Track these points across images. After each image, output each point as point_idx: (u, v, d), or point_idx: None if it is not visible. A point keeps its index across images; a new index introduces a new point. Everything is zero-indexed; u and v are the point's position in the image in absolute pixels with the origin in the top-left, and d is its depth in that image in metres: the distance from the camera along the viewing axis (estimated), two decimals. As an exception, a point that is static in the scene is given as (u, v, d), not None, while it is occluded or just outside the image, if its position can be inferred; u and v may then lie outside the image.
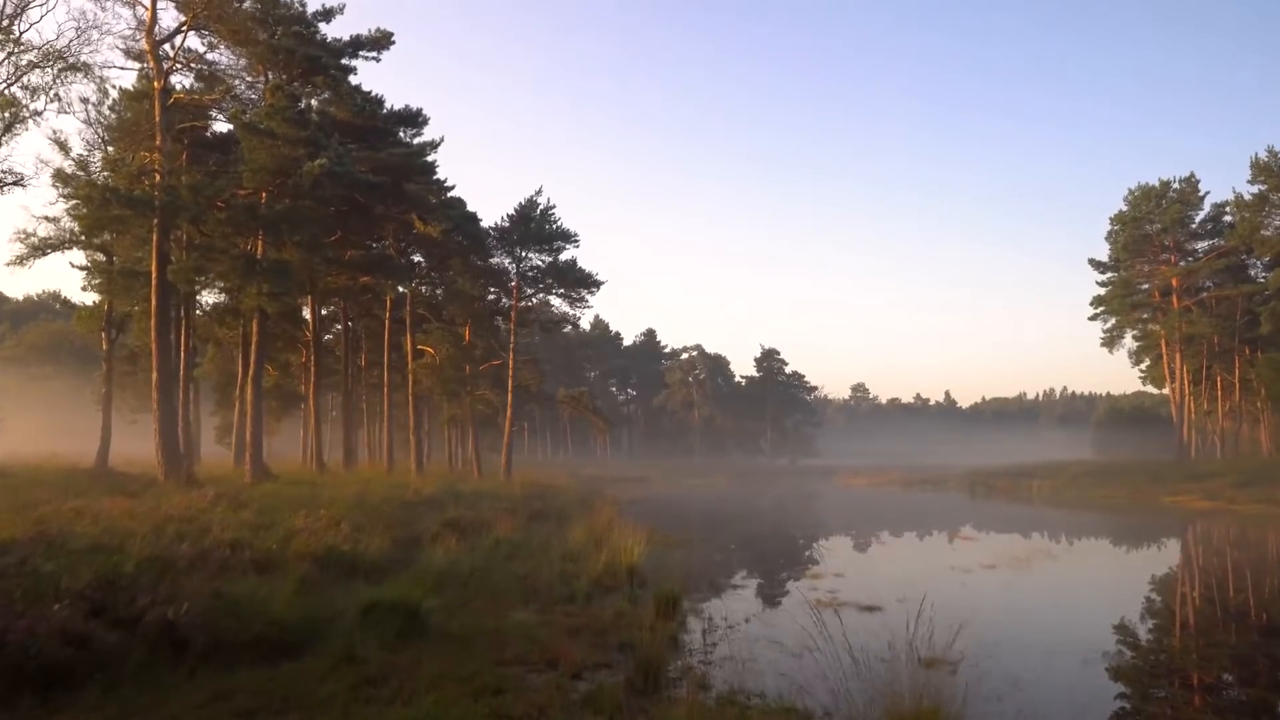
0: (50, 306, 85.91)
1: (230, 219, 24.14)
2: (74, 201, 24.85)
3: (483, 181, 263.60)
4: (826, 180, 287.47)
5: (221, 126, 30.80)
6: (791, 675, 9.34)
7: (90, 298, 38.56)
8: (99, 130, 26.56)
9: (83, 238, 26.37)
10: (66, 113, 25.49)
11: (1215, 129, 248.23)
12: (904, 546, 27.49)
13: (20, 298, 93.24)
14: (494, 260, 42.76)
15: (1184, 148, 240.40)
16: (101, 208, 23.05)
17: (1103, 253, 68.27)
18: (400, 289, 42.24)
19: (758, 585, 17.25)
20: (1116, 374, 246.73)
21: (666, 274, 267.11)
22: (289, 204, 24.96)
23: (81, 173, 24.22)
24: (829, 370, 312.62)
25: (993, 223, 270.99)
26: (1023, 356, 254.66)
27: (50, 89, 24.44)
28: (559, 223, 41.47)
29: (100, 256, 32.54)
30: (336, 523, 16.05)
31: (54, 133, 26.85)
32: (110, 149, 27.39)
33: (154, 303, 24.96)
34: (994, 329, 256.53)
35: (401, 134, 33.78)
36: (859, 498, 56.31)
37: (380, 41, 31.20)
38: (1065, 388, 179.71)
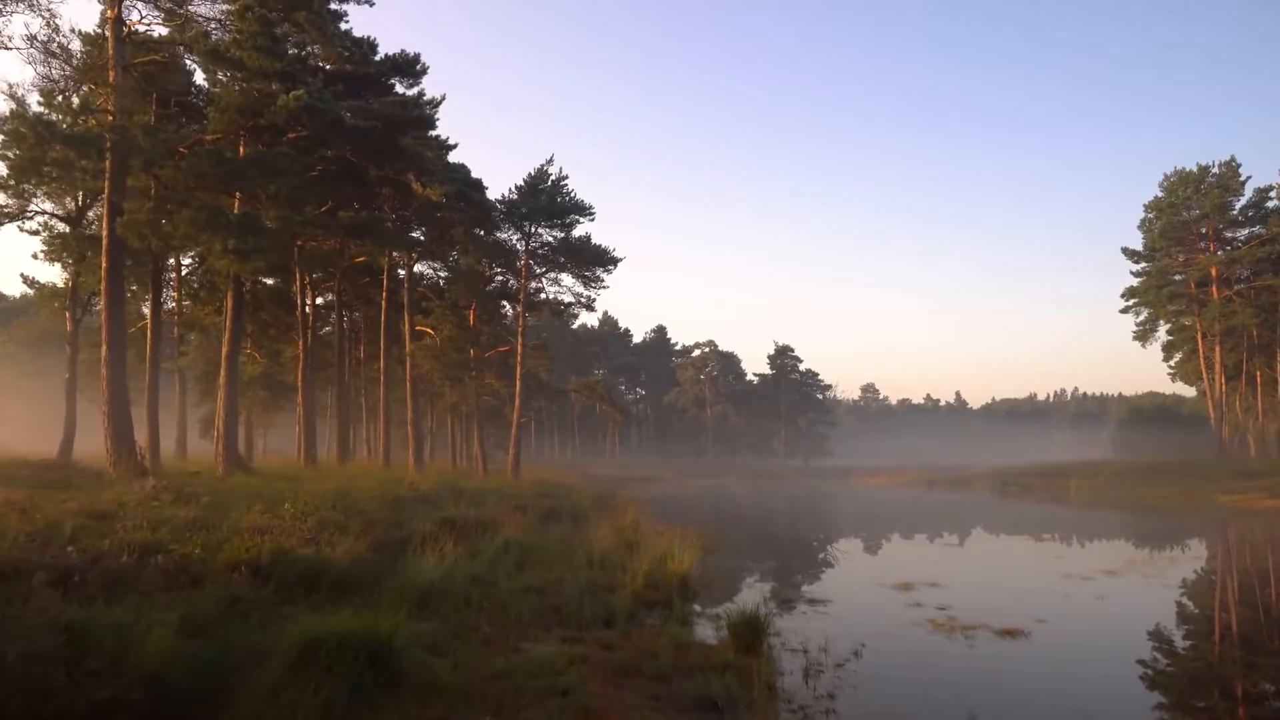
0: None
1: (193, 167, 20.51)
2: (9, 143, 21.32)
3: (483, 178, 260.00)
4: (836, 178, 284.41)
5: (201, 85, 27.46)
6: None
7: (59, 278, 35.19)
8: (46, 68, 23.08)
9: (12, 183, 22.78)
10: (8, 48, 22.06)
11: (1253, 109, 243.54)
12: (982, 551, 23.64)
13: (18, 295, 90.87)
14: (501, 236, 39.12)
15: (1200, 140, 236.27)
16: (37, 147, 19.53)
17: (1114, 248, 65.44)
18: (399, 271, 38.82)
19: (837, 599, 13.64)
20: (1129, 374, 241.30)
21: (676, 271, 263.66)
22: (262, 149, 21.31)
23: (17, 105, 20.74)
24: (839, 370, 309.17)
25: (1003, 222, 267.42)
26: (1033, 357, 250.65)
27: (-13, 20, 21.10)
28: (572, 194, 37.80)
29: (62, 226, 29.16)
30: (301, 520, 12.63)
31: (9, 87, 23.37)
32: (60, 89, 23.86)
33: (104, 264, 21.30)
34: (1005, 329, 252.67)
35: (397, 85, 30.25)
36: (885, 498, 52.76)
37: (373, -19, 27.61)
38: (1076, 388, 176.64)
